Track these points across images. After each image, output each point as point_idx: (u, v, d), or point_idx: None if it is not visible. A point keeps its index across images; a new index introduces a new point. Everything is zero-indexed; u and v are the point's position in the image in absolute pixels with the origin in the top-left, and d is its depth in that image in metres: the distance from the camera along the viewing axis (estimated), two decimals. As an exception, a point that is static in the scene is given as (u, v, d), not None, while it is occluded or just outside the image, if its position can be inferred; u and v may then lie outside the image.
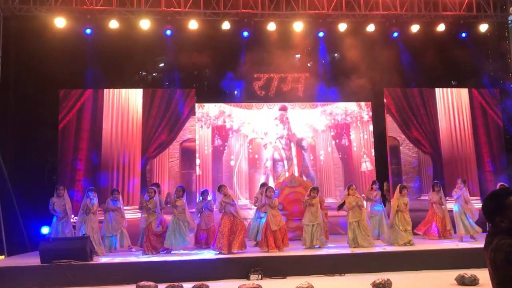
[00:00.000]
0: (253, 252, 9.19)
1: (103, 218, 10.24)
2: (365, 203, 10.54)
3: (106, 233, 9.94)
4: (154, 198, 9.65)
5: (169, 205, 9.69)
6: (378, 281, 6.76)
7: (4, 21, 11.72)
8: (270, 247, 9.05)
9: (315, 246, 9.48)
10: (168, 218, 9.85)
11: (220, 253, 8.85)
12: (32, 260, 8.52)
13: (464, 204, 10.34)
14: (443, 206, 10.81)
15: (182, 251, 9.48)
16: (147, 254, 9.28)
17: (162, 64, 13.98)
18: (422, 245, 9.46)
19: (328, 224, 11.02)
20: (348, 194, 9.88)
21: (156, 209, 9.61)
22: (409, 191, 12.30)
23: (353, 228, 9.54)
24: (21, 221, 10.91)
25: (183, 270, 8.07)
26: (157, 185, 10.66)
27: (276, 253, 8.86)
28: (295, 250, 9.26)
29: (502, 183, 10.67)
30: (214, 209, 10.44)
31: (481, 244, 8.05)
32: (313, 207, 9.70)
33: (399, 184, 10.56)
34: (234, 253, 8.85)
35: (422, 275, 7.88)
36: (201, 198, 10.60)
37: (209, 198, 10.66)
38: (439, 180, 12.02)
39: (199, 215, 10.42)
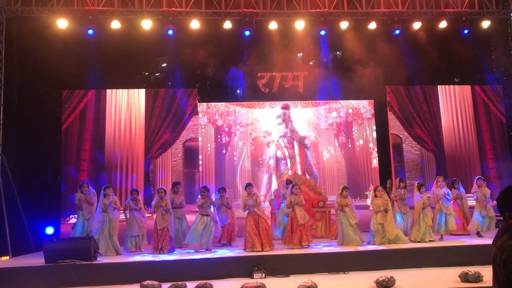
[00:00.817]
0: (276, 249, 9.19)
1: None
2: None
3: (133, 233, 9.74)
4: (165, 198, 9.59)
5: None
6: (381, 279, 6.75)
7: (6, 23, 11.77)
8: (294, 243, 9.15)
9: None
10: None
11: (252, 251, 8.87)
12: (36, 260, 8.54)
13: (446, 203, 10.04)
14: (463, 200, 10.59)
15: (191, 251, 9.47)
16: (155, 254, 9.26)
17: (164, 64, 14.04)
18: (426, 242, 9.43)
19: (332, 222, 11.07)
20: (376, 196, 9.68)
21: (170, 208, 9.57)
22: (412, 189, 12.31)
23: (377, 229, 9.42)
24: (26, 222, 10.96)
25: (186, 269, 8.06)
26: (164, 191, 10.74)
27: (281, 251, 8.86)
28: (299, 248, 9.25)
29: (479, 176, 10.70)
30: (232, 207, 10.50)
31: (484, 241, 8.00)
32: (349, 206, 9.68)
33: (417, 182, 10.40)
34: (266, 251, 8.88)
35: (425, 272, 7.86)
36: (219, 196, 10.58)
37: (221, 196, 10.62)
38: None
39: (217, 213, 10.42)
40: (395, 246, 9.09)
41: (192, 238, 9.41)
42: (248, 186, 9.54)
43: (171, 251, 9.33)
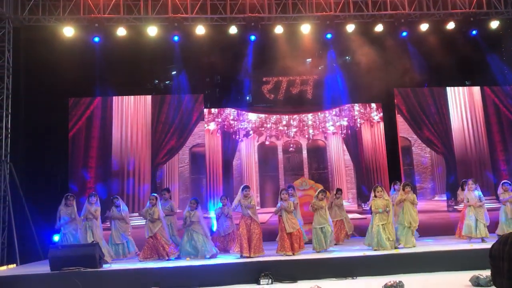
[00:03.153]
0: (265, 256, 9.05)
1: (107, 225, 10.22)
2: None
3: (115, 240, 9.82)
4: (157, 206, 9.41)
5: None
6: (390, 284, 6.62)
7: (13, 32, 11.83)
8: (287, 249, 8.95)
9: (328, 249, 9.34)
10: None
11: (241, 256, 8.78)
12: (42, 268, 8.54)
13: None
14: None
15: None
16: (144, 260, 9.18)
17: (172, 71, 14.00)
18: (435, 246, 9.26)
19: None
20: (375, 197, 9.42)
21: (160, 216, 9.36)
22: (422, 192, 12.14)
23: (378, 230, 9.15)
24: (34, 230, 10.97)
25: (192, 275, 8.00)
26: (168, 190, 10.54)
27: (288, 257, 8.74)
28: (305, 253, 9.13)
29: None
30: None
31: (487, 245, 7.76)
32: (321, 209, 9.55)
33: (403, 182, 10.24)
34: (253, 257, 8.73)
35: (435, 277, 7.71)
36: (220, 204, 10.45)
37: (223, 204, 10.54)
38: (453, 180, 11.79)
39: (217, 222, 10.35)
40: (404, 250, 8.94)
41: (184, 252, 9.42)
42: (244, 188, 9.29)
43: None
